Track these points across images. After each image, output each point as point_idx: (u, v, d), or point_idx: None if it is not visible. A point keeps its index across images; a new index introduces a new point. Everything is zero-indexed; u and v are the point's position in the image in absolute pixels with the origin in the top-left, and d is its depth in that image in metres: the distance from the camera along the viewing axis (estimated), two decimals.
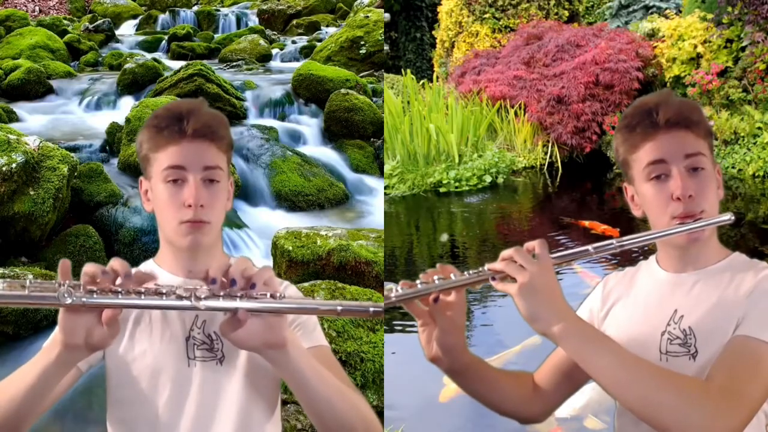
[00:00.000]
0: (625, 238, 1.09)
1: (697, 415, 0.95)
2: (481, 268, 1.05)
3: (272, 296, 0.98)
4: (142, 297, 0.95)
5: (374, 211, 5.13)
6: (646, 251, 1.26)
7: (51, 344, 0.99)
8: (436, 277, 1.05)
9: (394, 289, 1.04)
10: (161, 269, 1.19)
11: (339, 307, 0.99)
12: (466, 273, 1.05)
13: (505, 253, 1.04)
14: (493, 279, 1.03)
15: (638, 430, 1.10)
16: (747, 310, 1.06)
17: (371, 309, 0.99)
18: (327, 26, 10.59)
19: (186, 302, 0.96)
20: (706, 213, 1.12)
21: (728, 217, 1.13)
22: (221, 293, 0.97)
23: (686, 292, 1.15)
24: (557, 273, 1.05)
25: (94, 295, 0.94)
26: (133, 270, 1.00)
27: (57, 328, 0.97)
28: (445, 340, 1.11)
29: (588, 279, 4.15)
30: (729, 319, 1.08)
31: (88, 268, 0.96)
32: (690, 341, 1.12)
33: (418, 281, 1.06)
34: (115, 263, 0.98)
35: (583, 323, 1.04)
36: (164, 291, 0.96)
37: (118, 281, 0.96)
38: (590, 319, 1.26)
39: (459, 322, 1.12)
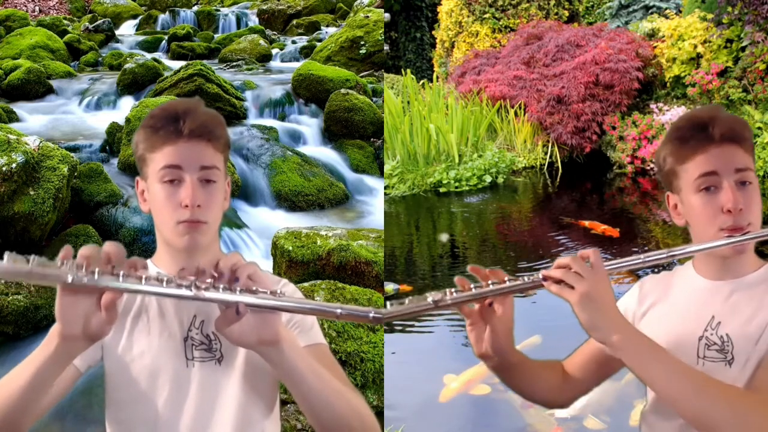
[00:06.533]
0: (675, 248, 1.12)
1: (749, 429, 0.98)
2: (535, 275, 1.08)
3: (272, 293, 0.97)
4: (143, 282, 0.95)
5: (374, 211, 5.12)
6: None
7: (49, 339, 0.99)
8: (490, 282, 1.09)
9: (448, 292, 1.07)
10: (158, 270, 1.18)
11: (339, 311, 0.98)
12: (520, 278, 1.09)
13: (562, 260, 1.07)
14: (545, 280, 1.06)
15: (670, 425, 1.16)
16: None
17: (371, 314, 0.97)
18: (327, 26, 10.59)
19: (186, 291, 0.96)
20: (752, 226, 1.14)
21: None
22: (221, 285, 0.97)
23: (723, 300, 1.18)
24: None
25: (96, 276, 0.94)
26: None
27: (55, 323, 0.97)
28: (497, 342, 1.16)
29: None
30: (766, 330, 1.11)
31: (85, 250, 0.96)
32: (727, 348, 1.15)
33: (472, 284, 1.10)
34: (109, 247, 0.98)
35: (640, 334, 1.06)
36: (165, 278, 0.96)
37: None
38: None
39: (509, 325, 1.17)
